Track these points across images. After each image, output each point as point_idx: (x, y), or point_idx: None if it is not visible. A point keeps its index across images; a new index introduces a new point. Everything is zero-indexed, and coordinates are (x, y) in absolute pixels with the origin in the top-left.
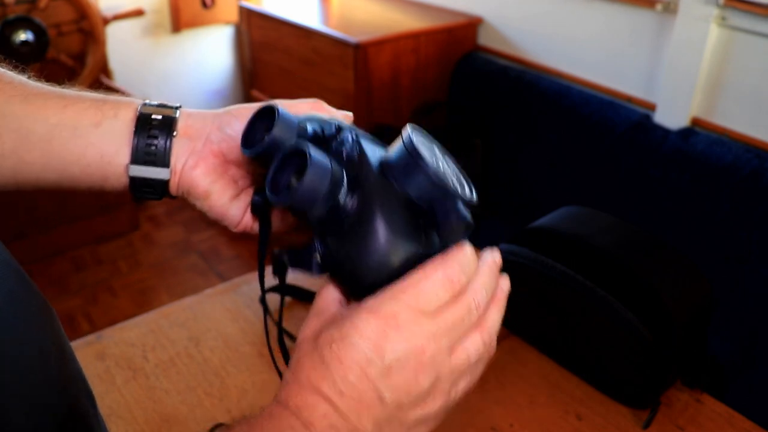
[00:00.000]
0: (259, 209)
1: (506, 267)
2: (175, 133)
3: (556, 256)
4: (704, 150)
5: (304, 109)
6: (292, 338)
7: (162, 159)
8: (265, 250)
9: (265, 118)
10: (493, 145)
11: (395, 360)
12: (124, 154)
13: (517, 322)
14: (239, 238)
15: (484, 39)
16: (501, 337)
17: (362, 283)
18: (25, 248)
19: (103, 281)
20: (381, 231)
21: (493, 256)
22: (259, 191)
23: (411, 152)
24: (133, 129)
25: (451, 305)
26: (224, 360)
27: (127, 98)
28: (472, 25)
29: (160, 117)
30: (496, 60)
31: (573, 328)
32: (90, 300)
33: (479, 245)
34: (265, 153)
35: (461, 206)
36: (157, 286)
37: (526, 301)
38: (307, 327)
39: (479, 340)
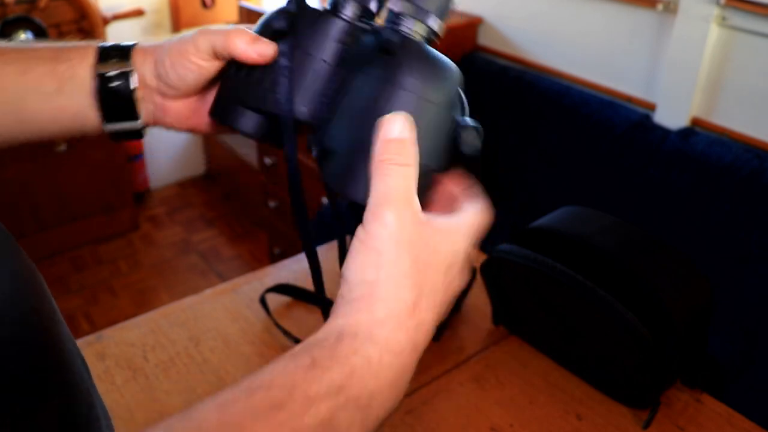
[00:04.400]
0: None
1: (506, 267)
2: (133, 86)
3: (556, 256)
4: (704, 150)
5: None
6: (292, 338)
7: (131, 112)
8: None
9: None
10: (493, 145)
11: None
12: (94, 111)
13: (517, 321)
14: (239, 238)
15: (484, 39)
16: (500, 337)
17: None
18: (25, 248)
19: (103, 281)
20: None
21: None
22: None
23: None
24: (95, 91)
25: None
26: (224, 360)
27: (79, 47)
28: (472, 25)
29: (115, 73)
30: (496, 60)
31: (573, 328)
32: (90, 300)
33: (479, 246)
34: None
35: None
36: (157, 286)
37: (526, 301)
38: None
39: None
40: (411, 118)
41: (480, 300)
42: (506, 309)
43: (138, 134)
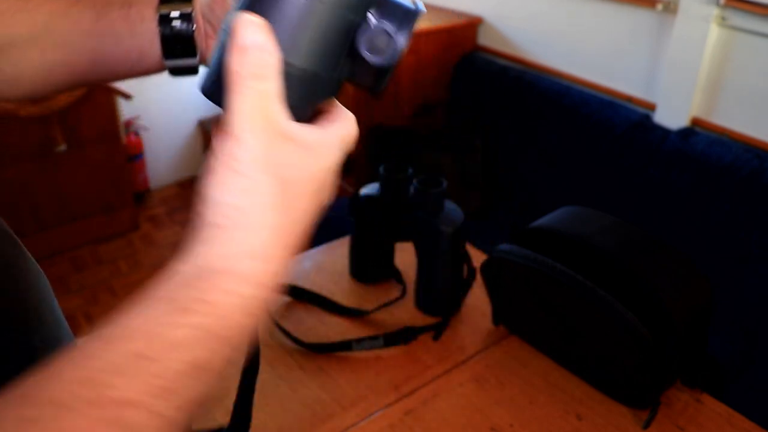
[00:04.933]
0: None
1: (506, 267)
2: (194, 27)
3: (556, 256)
4: (704, 150)
5: None
6: (291, 337)
7: (190, 50)
8: None
9: None
10: (493, 145)
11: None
12: (157, 48)
13: (517, 322)
14: None
15: (484, 39)
16: (500, 337)
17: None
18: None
19: (103, 281)
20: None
21: None
22: None
23: None
24: (160, 31)
25: None
26: None
27: None
28: (472, 25)
29: (178, 14)
30: (496, 60)
31: (573, 327)
32: (90, 300)
33: (479, 246)
34: None
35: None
36: None
37: (526, 301)
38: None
39: None
40: (262, 22)
41: (480, 300)
42: (506, 309)
43: (195, 70)
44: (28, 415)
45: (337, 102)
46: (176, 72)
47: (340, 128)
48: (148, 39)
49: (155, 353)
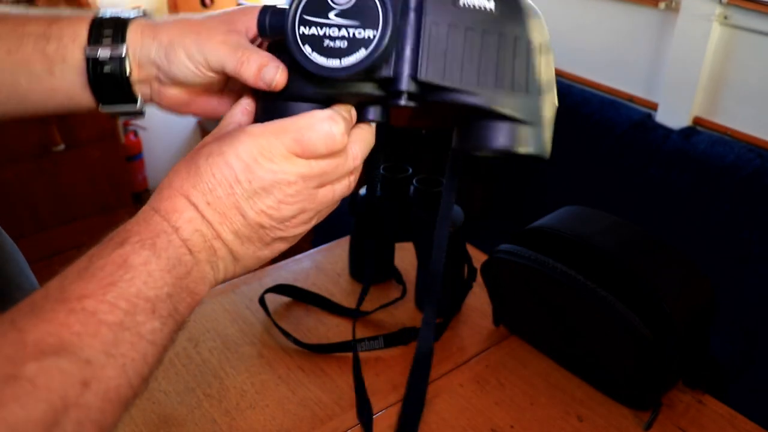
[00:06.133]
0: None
1: (507, 267)
2: (128, 72)
3: (557, 256)
4: (706, 149)
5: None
6: (291, 338)
7: (128, 95)
8: None
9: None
10: None
11: (260, 187)
12: (88, 94)
13: (518, 322)
14: None
15: None
16: (501, 337)
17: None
18: (24, 248)
19: None
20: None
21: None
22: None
23: None
24: (87, 75)
25: (326, 157)
26: (223, 361)
27: (72, 20)
28: None
29: (108, 57)
30: None
31: (573, 328)
32: None
33: (479, 246)
34: None
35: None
36: None
37: (526, 301)
38: (205, 140)
39: (347, 183)
40: None
41: (480, 300)
42: (507, 309)
43: (139, 113)
44: (11, 317)
45: (328, 110)
46: (118, 114)
47: (284, 122)
48: (74, 81)
49: (94, 264)
